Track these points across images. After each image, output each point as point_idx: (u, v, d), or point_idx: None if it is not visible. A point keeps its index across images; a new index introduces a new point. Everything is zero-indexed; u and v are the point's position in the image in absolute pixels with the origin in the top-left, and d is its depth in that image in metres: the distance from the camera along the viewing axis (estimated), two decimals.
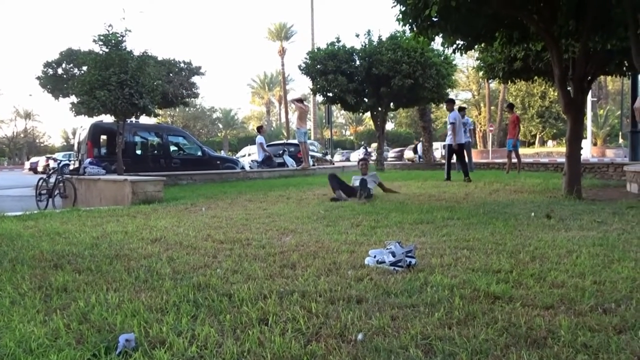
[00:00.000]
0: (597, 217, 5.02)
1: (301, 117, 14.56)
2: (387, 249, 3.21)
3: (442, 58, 16.33)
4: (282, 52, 54.73)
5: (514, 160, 13.62)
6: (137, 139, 13.74)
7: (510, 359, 1.77)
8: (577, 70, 7.14)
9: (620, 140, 35.56)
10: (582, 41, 6.90)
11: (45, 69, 17.78)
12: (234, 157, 21.07)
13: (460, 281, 2.72)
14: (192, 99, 24.88)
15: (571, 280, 2.71)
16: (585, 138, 25.41)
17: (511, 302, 2.37)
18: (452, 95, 22.24)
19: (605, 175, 11.68)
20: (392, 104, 17.51)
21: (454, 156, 11.11)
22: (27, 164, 42.02)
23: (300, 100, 14.64)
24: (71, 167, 11.97)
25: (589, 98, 23.63)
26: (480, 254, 3.42)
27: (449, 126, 11.00)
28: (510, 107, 15.08)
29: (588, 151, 26.82)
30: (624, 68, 8.38)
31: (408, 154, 31.97)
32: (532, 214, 5.27)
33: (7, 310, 2.39)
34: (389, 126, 52.14)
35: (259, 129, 16.44)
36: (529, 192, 7.66)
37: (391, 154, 35.30)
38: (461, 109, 14.21)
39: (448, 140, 11.06)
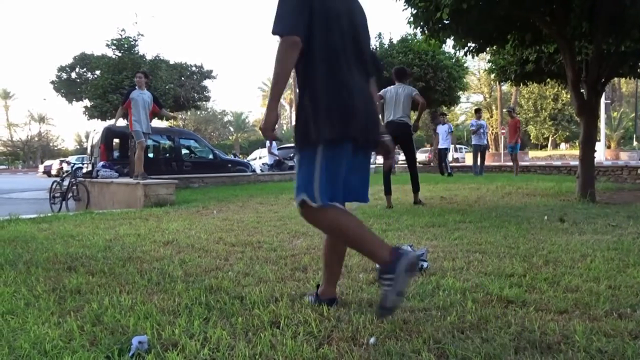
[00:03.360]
0: (611, 220, 4.96)
1: None
2: None
3: (454, 61, 16.32)
4: None
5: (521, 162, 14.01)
6: (149, 142, 13.81)
7: None
8: (591, 72, 7.07)
9: (635, 143, 35.13)
10: (596, 43, 6.83)
11: (59, 73, 18.02)
12: (245, 160, 21.15)
13: (473, 285, 2.70)
14: (204, 103, 25.06)
15: (585, 284, 2.68)
16: (599, 141, 25.16)
17: (524, 306, 2.35)
18: (463, 98, 22.42)
19: (620, 178, 11.54)
20: None
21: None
22: (41, 167, 42.54)
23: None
24: (84, 170, 12.11)
25: (603, 100, 23.38)
26: (493, 257, 3.40)
27: (445, 134, 14.74)
28: (513, 110, 15.55)
29: (602, 154, 26.51)
30: (638, 70, 8.28)
31: (419, 157, 31.83)
32: (545, 217, 5.22)
33: (22, 312, 2.42)
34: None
35: None
36: (541, 196, 7.60)
37: (402, 156, 35.18)
38: (477, 111, 14.39)
39: (444, 145, 14.66)
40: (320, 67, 2.11)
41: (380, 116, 6.99)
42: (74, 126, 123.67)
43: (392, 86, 6.77)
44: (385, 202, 6.60)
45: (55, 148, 73.31)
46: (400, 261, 1.96)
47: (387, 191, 6.57)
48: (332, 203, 2.08)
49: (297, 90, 2.55)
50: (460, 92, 18.19)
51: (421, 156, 32.43)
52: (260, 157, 23.14)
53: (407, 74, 7.09)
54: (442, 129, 14.99)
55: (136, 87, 8.64)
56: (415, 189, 6.70)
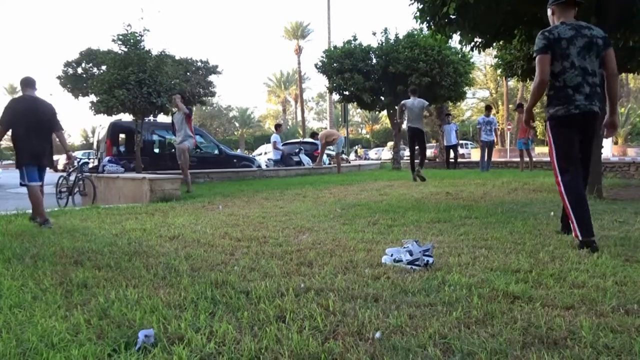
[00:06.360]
0: (618, 216, 4.93)
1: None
2: (405, 247, 3.19)
3: (460, 56, 16.19)
4: (299, 51, 54.69)
5: (526, 158, 14.03)
6: (155, 137, 13.89)
7: (530, 359, 1.75)
8: None
9: None
10: None
11: (66, 69, 18.06)
12: (250, 156, 21.17)
13: (479, 280, 2.70)
14: (209, 98, 25.05)
15: (592, 280, 2.67)
16: None
17: (531, 302, 2.34)
18: (469, 94, 22.77)
19: (627, 174, 11.48)
20: None
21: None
22: None
23: (314, 135, 17.05)
24: (90, 165, 12.12)
25: None
26: (499, 253, 3.39)
27: (451, 132, 16.26)
28: (520, 106, 15.19)
29: (609, 150, 26.35)
30: None
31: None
32: (552, 213, 5.20)
33: (30, 305, 2.44)
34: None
35: (277, 127, 16.38)
36: (548, 192, 7.56)
37: (407, 152, 35.22)
38: (487, 108, 14.57)
39: (453, 142, 16.43)
40: (20, 135, 5.43)
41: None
42: (81, 121, 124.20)
43: (409, 99, 10.17)
44: (389, 199, 6.88)
45: None
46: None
47: (413, 169, 10.19)
48: (31, 183, 5.44)
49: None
50: (467, 88, 18.07)
51: (427, 152, 32.44)
52: (265, 153, 23.16)
53: (417, 91, 10.74)
54: (448, 128, 16.40)
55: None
56: (420, 164, 10.15)
